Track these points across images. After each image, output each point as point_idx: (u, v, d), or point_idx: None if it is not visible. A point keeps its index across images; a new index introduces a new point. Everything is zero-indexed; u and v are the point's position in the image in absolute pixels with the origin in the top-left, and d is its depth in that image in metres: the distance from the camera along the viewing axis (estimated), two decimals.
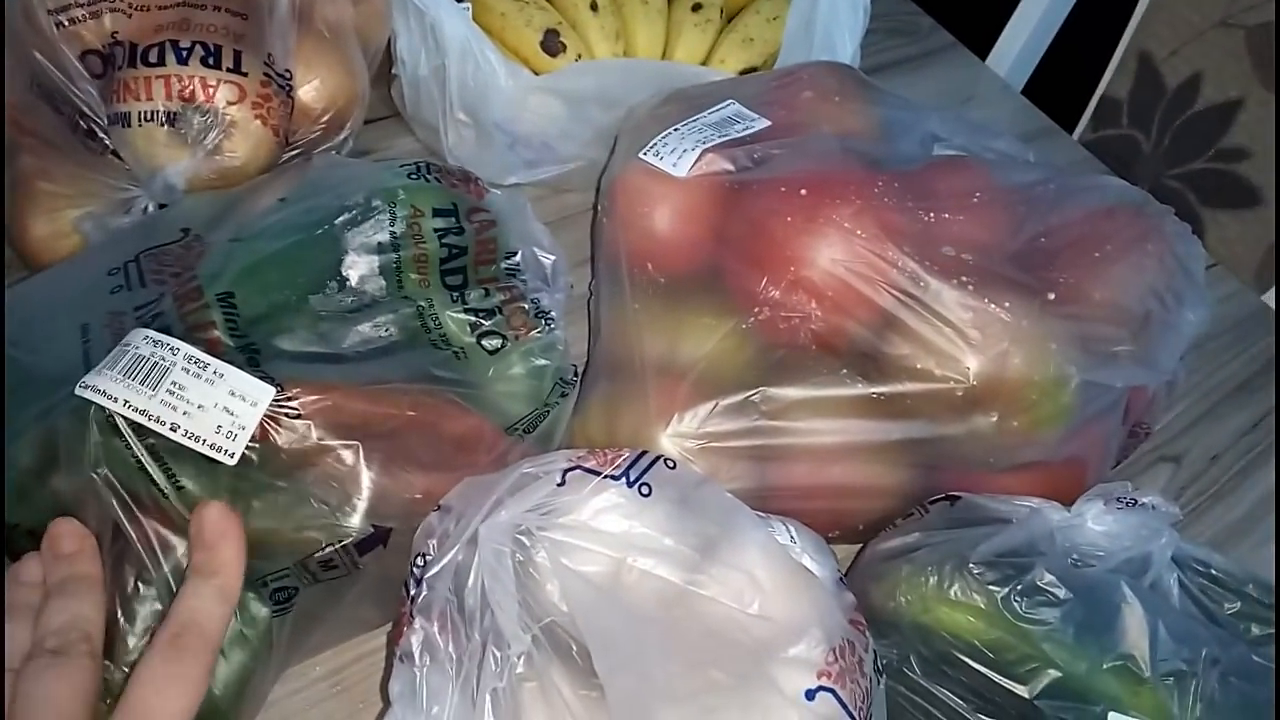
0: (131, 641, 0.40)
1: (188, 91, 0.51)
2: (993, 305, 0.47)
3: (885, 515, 0.52)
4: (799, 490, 0.50)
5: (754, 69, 0.71)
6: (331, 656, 0.49)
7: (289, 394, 0.41)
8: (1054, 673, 0.42)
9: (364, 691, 0.49)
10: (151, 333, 0.41)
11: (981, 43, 0.91)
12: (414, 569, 0.42)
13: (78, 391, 0.40)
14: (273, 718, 0.48)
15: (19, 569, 0.40)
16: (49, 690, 0.35)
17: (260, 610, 0.42)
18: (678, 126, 0.55)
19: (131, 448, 0.40)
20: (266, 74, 0.53)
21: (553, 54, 0.68)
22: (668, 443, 0.50)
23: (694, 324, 0.52)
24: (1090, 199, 0.53)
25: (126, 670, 0.39)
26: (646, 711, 0.37)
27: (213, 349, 0.41)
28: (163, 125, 0.51)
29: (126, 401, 0.39)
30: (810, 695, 0.38)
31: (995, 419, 0.48)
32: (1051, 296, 0.48)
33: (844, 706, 0.38)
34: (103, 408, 0.39)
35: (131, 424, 0.39)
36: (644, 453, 0.43)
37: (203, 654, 0.37)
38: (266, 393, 0.40)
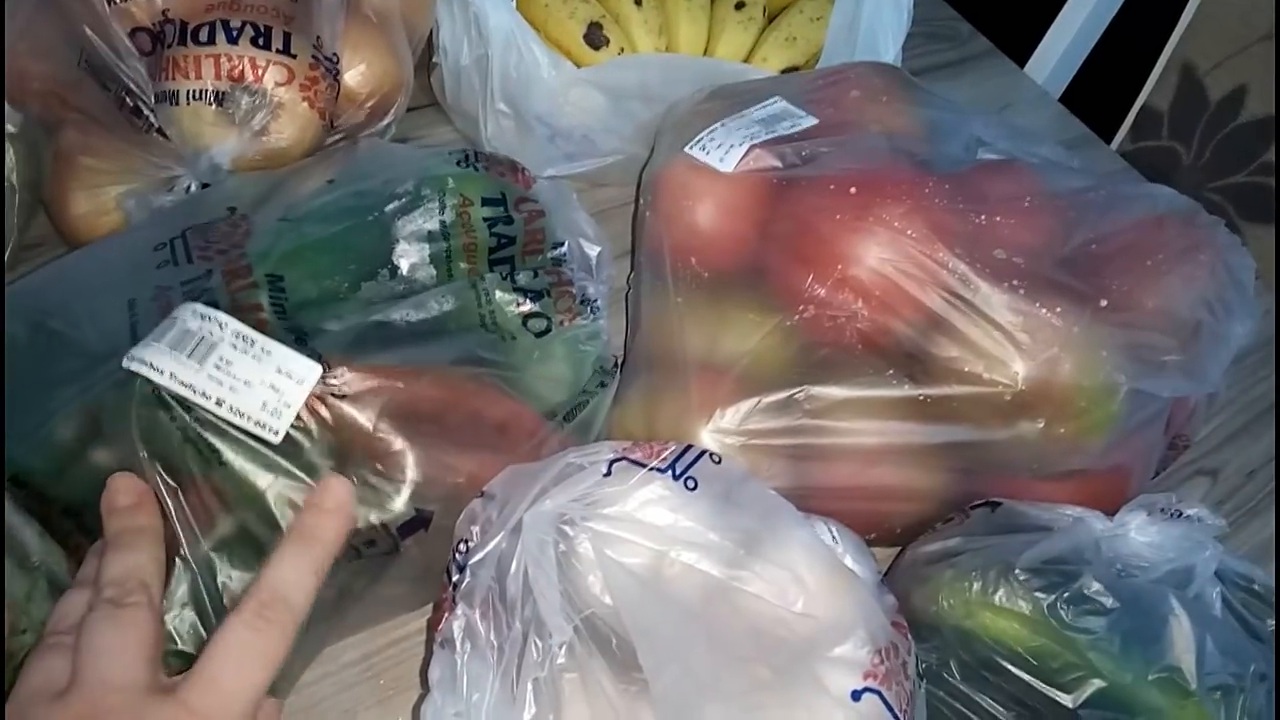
0: (170, 616, 0.40)
1: (237, 71, 0.51)
2: (1044, 310, 0.47)
3: (923, 519, 0.52)
4: (839, 491, 0.50)
5: (796, 68, 0.71)
6: (364, 641, 0.49)
7: (335, 373, 0.41)
8: (1099, 682, 0.42)
9: (395, 677, 0.49)
10: (200, 306, 0.41)
11: (1020, 49, 0.91)
12: (457, 555, 0.41)
13: (124, 364, 0.40)
14: (304, 700, 0.47)
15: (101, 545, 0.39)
16: (109, 641, 0.34)
17: None
18: (724, 122, 0.55)
19: (177, 421, 0.39)
20: (314, 57, 0.53)
21: (596, 47, 0.68)
22: (709, 438, 0.49)
23: (737, 320, 0.51)
24: (1140, 207, 0.52)
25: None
26: (693, 706, 0.36)
27: (259, 327, 0.41)
28: (210, 104, 0.51)
29: (173, 374, 0.39)
30: (856, 696, 0.37)
31: (1042, 425, 0.47)
32: (1104, 303, 0.48)
33: (889, 708, 0.38)
34: (149, 380, 0.39)
35: (177, 398, 0.39)
36: (690, 446, 0.43)
37: (289, 628, 0.36)
38: (313, 371, 0.40)
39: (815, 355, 0.50)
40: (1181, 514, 0.47)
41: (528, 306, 0.48)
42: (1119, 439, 0.49)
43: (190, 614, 0.41)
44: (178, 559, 0.41)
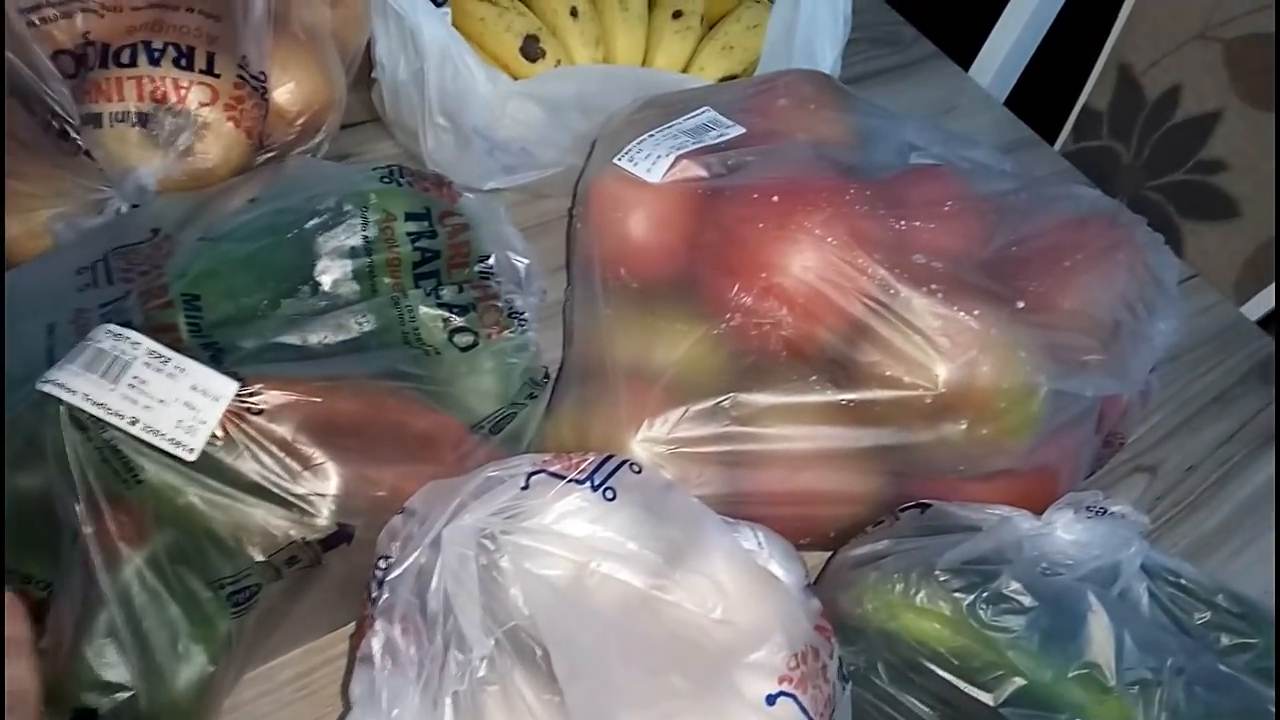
0: (90, 649, 0.40)
1: (160, 93, 0.51)
2: (962, 313, 0.47)
3: (856, 522, 0.52)
4: (770, 496, 0.50)
5: (734, 76, 0.71)
6: (299, 659, 0.49)
7: (252, 389, 0.41)
8: (1019, 681, 0.42)
9: (332, 695, 0.49)
10: (114, 327, 0.41)
11: (964, 53, 0.91)
12: (377, 571, 0.41)
13: (39, 386, 0.40)
14: (241, 719, 0.47)
15: None
16: None
17: (219, 611, 0.42)
18: (653, 133, 0.55)
19: (93, 441, 0.39)
20: (240, 76, 0.53)
21: (532, 59, 0.68)
22: (638, 448, 0.49)
23: (666, 329, 0.52)
24: (1063, 208, 0.53)
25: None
26: (606, 716, 0.37)
27: (174, 347, 0.41)
28: (134, 126, 0.51)
29: (86, 395, 0.39)
30: (771, 700, 0.38)
31: (964, 427, 0.48)
32: (1021, 305, 0.48)
33: (805, 712, 0.38)
34: (63, 401, 0.39)
35: (93, 418, 0.39)
36: (609, 457, 0.43)
37: None
38: (229, 387, 0.40)
39: (742, 363, 0.50)
40: (1107, 511, 0.48)
41: (454, 321, 0.48)
42: (1043, 439, 0.50)
43: (111, 644, 0.41)
44: (97, 586, 0.41)
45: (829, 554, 0.53)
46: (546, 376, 0.51)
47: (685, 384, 0.50)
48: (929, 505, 0.50)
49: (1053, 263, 0.50)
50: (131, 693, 0.41)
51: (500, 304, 0.50)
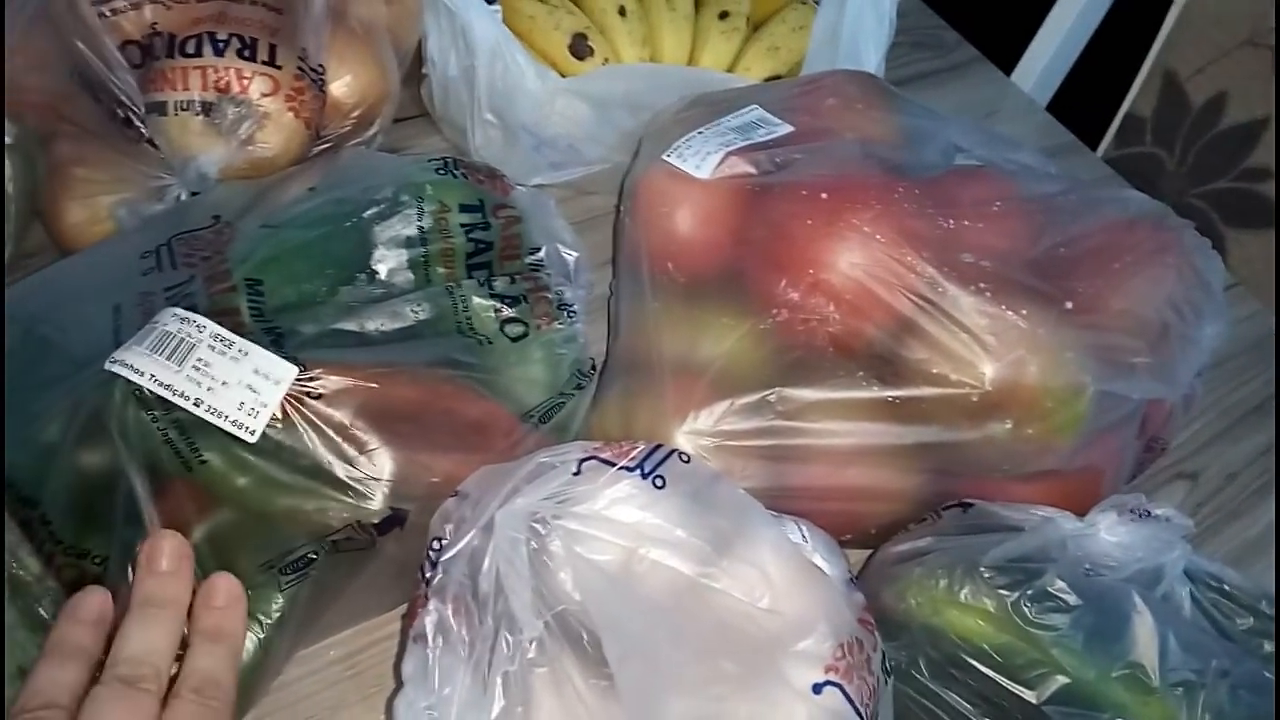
0: None
1: (223, 82, 0.52)
2: (1010, 312, 0.48)
3: (897, 520, 0.52)
4: (812, 491, 0.51)
5: (778, 77, 0.72)
6: (346, 640, 0.50)
7: (312, 374, 0.42)
8: (1062, 679, 0.42)
9: (378, 675, 0.49)
10: (180, 310, 0.42)
11: (1007, 58, 0.91)
12: (430, 552, 0.42)
13: (106, 366, 0.41)
14: (287, 698, 0.48)
15: (78, 605, 0.39)
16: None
17: (271, 591, 0.43)
18: (702, 130, 0.56)
19: (157, 422, 0.40)
20: (300, 68, 0.54)
21: (580, 58, 0.69)
22: (683, 440, 0.50)
23: (712, 324, 0.52)
24: (1111, 211, 0.53)
25: None
26: (656, 699, 0.37)
27: (237, 331, 0.42)
28: (198, 115, 0.53)
29: (152, 375, 0.40)
30: (817, 689, 0.38)
31: (1010, 426, 0.48)
32: (1069, 305, 0.48)
33: (850, 702, 0.38)
34: (129, 381, 0.40)
35: (157, 398, 0.40)
36: (659, 446, 0.44)
37: (226, 708, 0.38)
38: (289, 372, 0.41)
39: (788, 358, 0.50)
40: (1151, 514, 0.48)
41: (505, 312, 0.49)
42: (1088, 440, 0.50)
43: None
44: None
45: (869, 551, 0.54)
46: (593, 368, 0.52)
47: (730, 378, 0.51)
48: (971, 504, 0.50)
49: (1101, 264, 0.50)
50: None
51: (550, 296, 0.51)
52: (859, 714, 0.38)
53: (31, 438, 0.43)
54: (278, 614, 0.43)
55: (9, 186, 0.57)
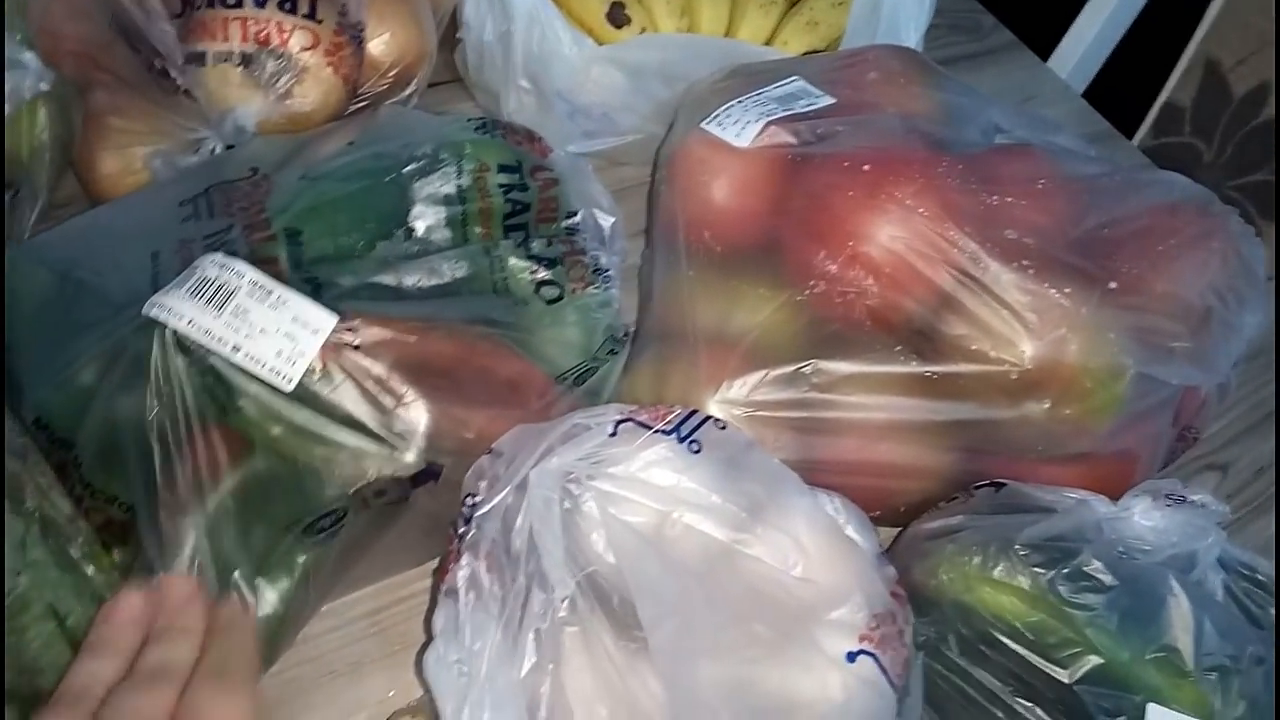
0: (176, 562, 0.41)
1: (263, 34, 0.52)
2: (1053, 290, 0.47)
3: (927, 498, 0.52)
4: (844, 465, 0.50)
5: (816, 52, 0.71)
6: (372, 596, 0.50)
7: (350, 324, 0.41)
8: (1095, 659, 0.42)
9: (401, 633, 0.49)
10: (220, 256, 0.42)
11: (1043, 43, 0.90)
12: (464, 508, 0.42)
13: (145, 310, 0.40)
14: (310, 652, 0.48)
15: (117, 609, 0.39)
16: (138, 703, 0.35)
17: (302, 542, 0.43)
18: (741, 99, 0.55)
19: (195, 365, 0.40)
20: (340, 23, 0.54)
21: (618, 26, 0.68)
22: (716, 409, 0.50)
23: (748, 294, 0.52)
24: (1155, 194, 0.53)
25: None
26: (689, 660, 0.37)
27: (276, 279, 0.42)
28: (237, 66, 0.52)
29: (191, 320, 0.40)
30: (851, 657, 0.38)
31: (1047, 405, 0.48)
32: (1113, 286, 0.48)
33: (884, 671, 0.38)
34: (168, 325, 0.40)
35: (195, 343, 0.40)
36: (695, 411, 0.44)
37: (244, 683, 0.37)
38: (328, 321, 0.41)
39: (824, 330, 0.50)
40: (1186, 500, 0.47)
41: (541, 274, 0.49)
42: (1125, 423, 0.49)
43: (194, 567, 0.42)
44: (185, 509, 0.41)
45: (897, 530, 0.54)
46: (626, 334, 0.52)
47: (765, 349, 0.50)
48: (1004, 484, 0.50)
49: (1145, 246, 0.49)
50: None
51: (586, 260, 0.50)
52: (892, 684, 0.38)
53: (68, 380, 0.43)
54: (306, 566, 0.43)
55: (42, 135, 0.57)
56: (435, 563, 0.50)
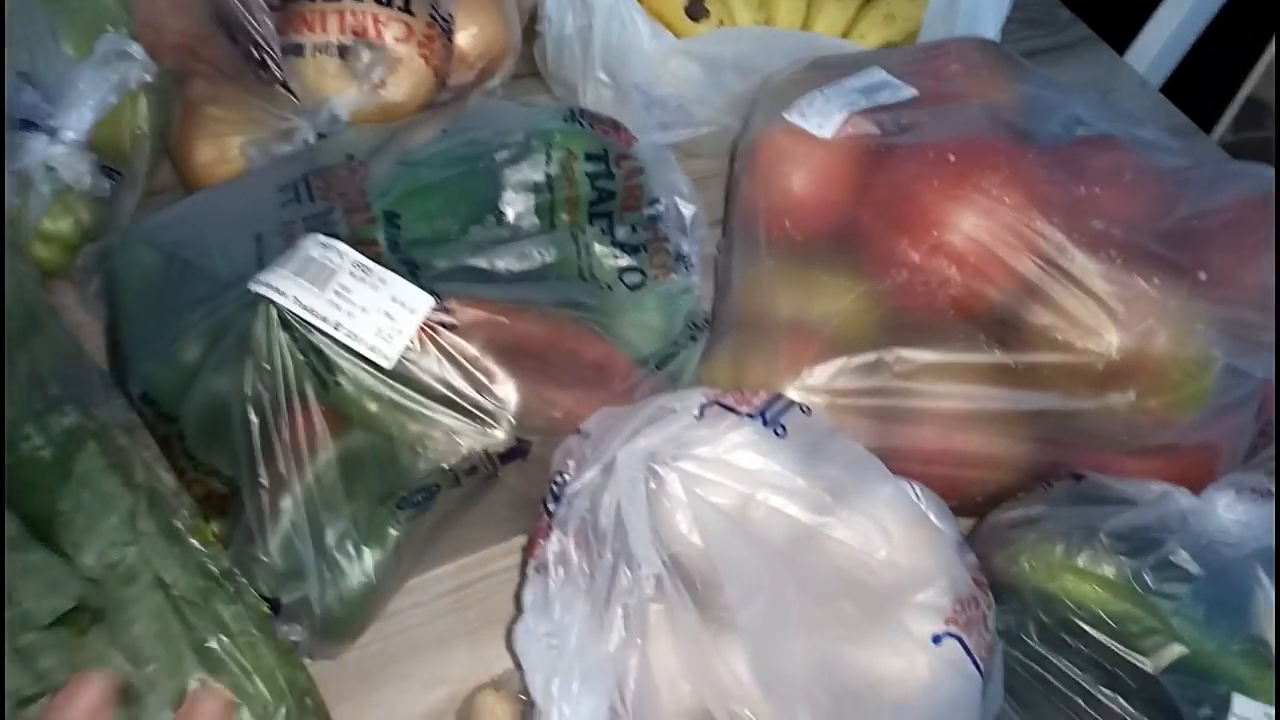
0: (275, 534, 0.43)
1: (360, 26, 0.54)
2: (1141, 281, 0.47)
3: (1004, 489, 0.52)
4: (923, 455, 0.50)
5: (893, 45, 0.71)
6: (455, 574, 0.51)
7: (446, 305, 0.43)
8: (1181, 649, 0.42)
9: (483, 610, 0.51)
10: (322, 237, 0.43)
11: (1120, 37, 0.89)
12: (553, 486, 0.43)
13: (251, 286, 0.42)
14: (394, 628, 0.49)
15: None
16: None
17: (394, 516, 0.44)
18: (823, 90, 0.56)
19: (298, 342, 0.42)
20: (432, 16, 0.55)
21: (695, 19, 0.69)
22: (796, 396, 0.50)
23: (829, 283, 0.52)
24: (1244, 185, 0.52)
25: None
26: (777, 638, 0.38)
27: (376, 260, 0.44)
28: (334, 57, 0.54)
29: (295, 298, 0.42)
30: (937, 640, 0.38)
31: (1132, 396, 0.48)
32: (1202, 277, 0.47)
33: (970, 654, 0.38)
34: (273, 303, 0.42)
35: (299, 320, 0.42)
36: (780, 395, 0.44)
37: None
38: (425, 302, 0.42)
39: (906, 319, 0.50)
40: (1270, 493, 0.47)
41: (624, 260, 0.50)
42: (1210, 416, 0.49)
43: (291, 539, 0.43)
44: (284, 483, 0.43)
45: (973, 521, 0.54)
46: (706, 321, 0.53)
47: (845, 337, 0.51)
48: (1084, 476, 0.49)
49: (1235, 238, 0.49)
50: (304, 591, 0.43)
51: (668, 247, 0.51)
52: (978, 667, 0.38)
53: (173, 356, 0.45)
54: (398, 539, 0.44)
55: (142, 124, 0.60)
56: (519, 540, 0.51)
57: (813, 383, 0.50)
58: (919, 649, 0.38)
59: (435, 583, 0.51)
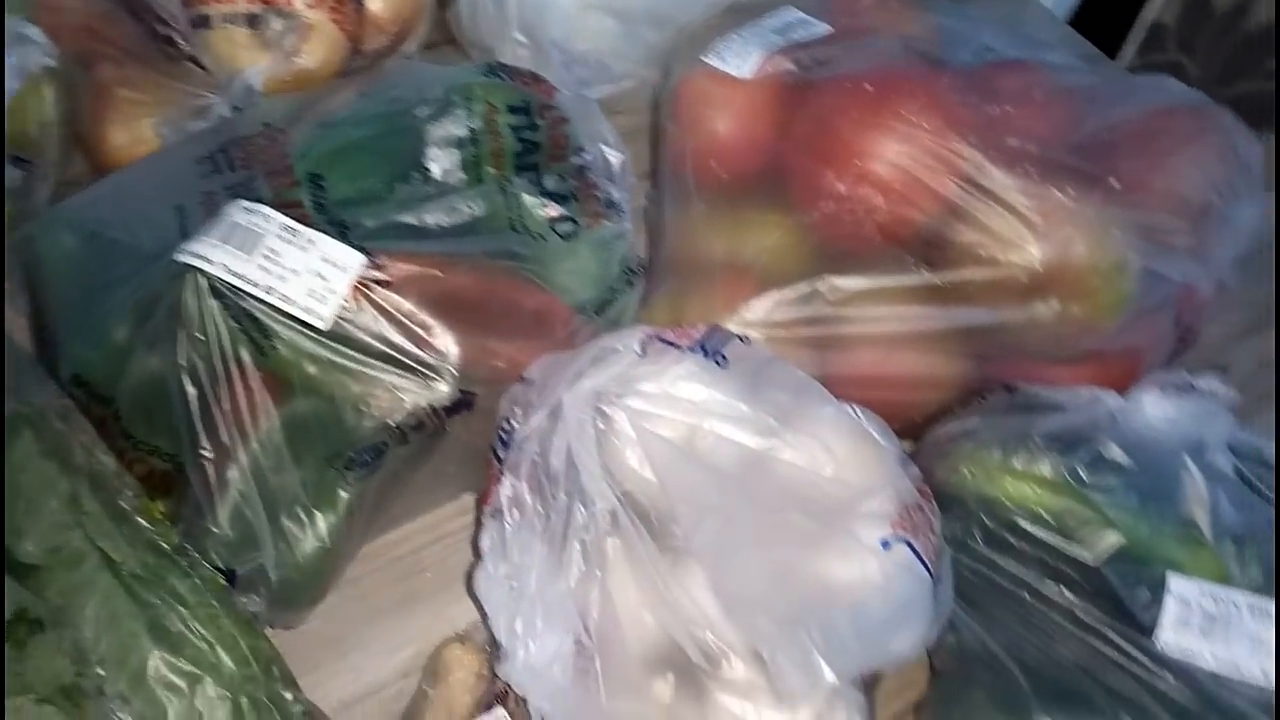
0: (224, 506, 0.42)
1: None
2: (1056, 193, 0.48)
3: (942, 408, 0.53)
4: (862, 379, 0.52)
5: None
6: (409, 538, 0.51)
7: (378, 261, 0.42)
8: (1117, 538, 0.43)
9: (442, 570, 0.51)
10: (246, 202, 0.43)
11: None
12: (500, 434, 0.43)
13: (177, 257, 0.42)
14: (353, 594, 0.49)
15: None
16: None
17: (343, 480, 0.44)
18: (739, 31, 0.56)
19: (230, 310, 0.41)
20: None
21: None
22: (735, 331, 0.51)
23: (759, 220, 0.53)
24: (1150, 97, 0.54)
25: None
26: (731, 554, 0.38)
27: (302, 222, 0.43)
28: (243, 27, 0.53)
29: (224, 264, 0.41)
30: (886, 545, 0.39)
31: (1056, 306, 0.49)
32: (1115, 185, 0.49)
33: (919, 556, 0.40)
34: (201, 271, 0.41)
35: (229, 287, 0.41)
36: (718, 327, 0.45)
37: None
38: (357, 259, 0.42)
39: (836, 249, 0.51)
40: (1194, 388, 0.49)
41: (555, 210, 0.50)
42: (1131, 321, 0.51)
43: (242, 510, 0.43)
44: (229, 454, 0.43)
45: (914, 443, 0.55)
46: (641, 266, 0.53)
47: (778, 271, 0.51)
48: (1016, 388, 0.51)
49: (1143, 145, 0.51)
50: (259, 560, 0.43)
51: (599, 194, 0.51)
52: (927, 569, 0.40)
53: (103, 336, 0.44)
54: (350, 502, 0.44)
55: (50, 113, 0.58)
56: (469, 500, 0.51)
57: (750, 317, 0.51)
58: (870, 554, 0.39)
59: (391, 548, 0.51)
